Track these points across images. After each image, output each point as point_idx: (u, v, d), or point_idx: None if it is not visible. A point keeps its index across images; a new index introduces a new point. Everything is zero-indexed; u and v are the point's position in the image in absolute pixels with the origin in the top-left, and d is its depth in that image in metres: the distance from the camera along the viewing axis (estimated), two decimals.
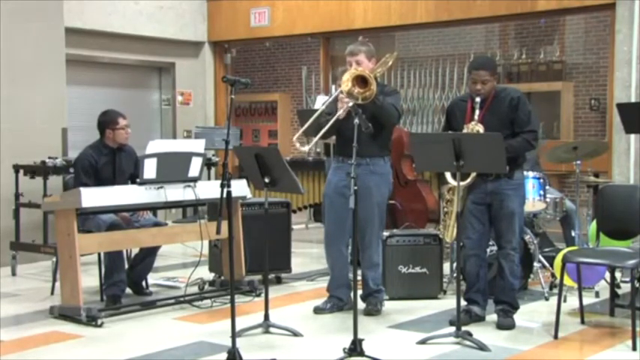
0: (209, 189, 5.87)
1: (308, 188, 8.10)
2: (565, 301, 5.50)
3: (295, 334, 5.05)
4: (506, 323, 5.21)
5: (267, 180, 5.06)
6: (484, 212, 5.25)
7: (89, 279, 6.51)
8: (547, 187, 6.30)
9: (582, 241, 6.40)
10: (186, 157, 5.79)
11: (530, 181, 6.07)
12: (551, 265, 6.17)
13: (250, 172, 5.22)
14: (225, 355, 4.37)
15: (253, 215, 6.47)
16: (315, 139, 5.44)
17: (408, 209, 7.50)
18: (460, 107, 5.33)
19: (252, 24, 10.44)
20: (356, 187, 4.48)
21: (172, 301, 5.94)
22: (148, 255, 6.17)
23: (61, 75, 8.34)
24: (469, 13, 8.79)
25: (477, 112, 5.14)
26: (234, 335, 4.36)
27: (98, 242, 5.65)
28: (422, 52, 11.45)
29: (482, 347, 4.71)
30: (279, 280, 6.77)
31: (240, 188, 6.05)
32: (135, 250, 6.28)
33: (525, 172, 5.56)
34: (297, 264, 7.07)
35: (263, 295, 5.25)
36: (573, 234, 6.51)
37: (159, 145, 5.69)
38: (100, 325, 5.30)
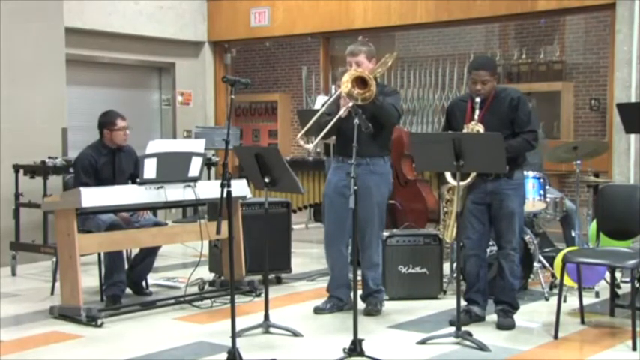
0: (209, 189, 5.87)
1: (308, 188, 8.10)
2: (565, 301, 5.50)
3: (295, 334, 5.05)
4: (506, 323, 5.21)
5: (267, 180, 5.06)
6: (484, 212, 5.25)
7: (89, 279, 6.51)
8: (547, 187, 6.30)
9: (582, 241, 6.40)
10: (186, 157, 5.79)
11: (530, 181, 6.07)
12: (551, 265, 6.17)
13: (250, 172, 5.22)
14: (225, 355, 4.37)
15: (253, 215, 6.47)
16: (319, 138, 5.43)
17: (408, 209, 7.50)
18: (460, 107, 5.34)
19: (252, 24, 10.44)
20: (356, 187, 4.48)
21: (172, 301, 5.94)
22: (147, 255, 6.17)
23: (61, 75, 8.34)
24: (469, 13, 8.79)
25: (477, 112, 5.14)
26: (234, 335, 4.36)
27: (98, 242, 5.65)
28: (422, 52, 11.45)
29: (482, 347, 4.71)
30: (279, 280, 6.77)
31: (240, 188, 6.05)
32: (135, 250, 6.28)
33: (525, 172, 5.56)
34: (297, 264, 7.07)
35: (263, 295, 5.25)
36: (573, 234, 6.51)
37: (159, 145, 5.69)
38: (100, 325, 5.30)
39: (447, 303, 5.75)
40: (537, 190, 6.16)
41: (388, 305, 5.78)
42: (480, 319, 5.33)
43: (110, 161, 6.06)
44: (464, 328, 4.89)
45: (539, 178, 6.18)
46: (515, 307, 5.32)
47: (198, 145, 5.95)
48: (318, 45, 10.60)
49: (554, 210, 6.44)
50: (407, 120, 10.42)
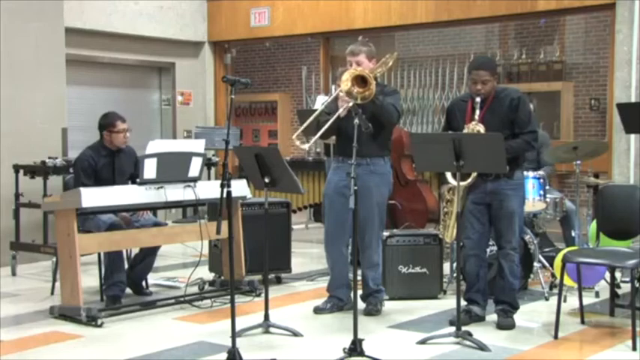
0: (209, 189, 5.87)
1: (308, 188, 8.10)
2: (565, 301, 5.50)
3: (295, 334, 5.05)
4: (506, 323, 5.21)
5: (267, 180, 5.05)
6: (484, 212, 5.25)
7: (89, 279, 6.52)
8: (547, 187, 6.30)
9: (582, 241, 6.40)
10: (186, 157, 5.79)
11: (530, 181, 6.08)
12: (551, 265, 6.17)
13: (250, 172, 5.22)
14: (225, 355, 4.37)
15: (253, 215, 6.47)
16: (315, 137, 5.43)
17: (408, 209, 7.50)
18: (460, 107, 5.33)
19: (252, 24, 10.44)
20: (356, 187, 4.48)
21: (172, 301, 5.94)
22: (147, 255, 6.17)
23: (61, 75, 8.34)
24: (469, 13, 8.79)
25: (477, 112, 5.14)
26: (234, 335, 4.36)
27: (98, 242, 5.65)
28: (422, 52, 11.45)
29: (482, 347, 4.71)
30: (279, 280, 6.77)
31: (240, 188, 6.05)
32: (135, 250, 6.29)
33: (525, 172, 5.56)
34: (297, 264, 7.07)
35: (263, 295, 5.25)
36: (573, 234, 6.51)
37: (159, 145, 5.69)
38: (100, 325, 5.30)
39: (447, 303, 5.75)
40: (537, 190, 6.16)
41: (388, 305, 5.78)
42: (479, 319, 5.33)
43: (110, 162, 6.06)
44: (464, 328, 4.89)
45: (539, 178, 6.18)
46: (515, 307, 5.32)
47: (198, 145, 5.95)
48: (318, 45, 10.60)
49: (554, 210, 6.44)
50: (407, 120, 10.42)
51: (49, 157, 7.22)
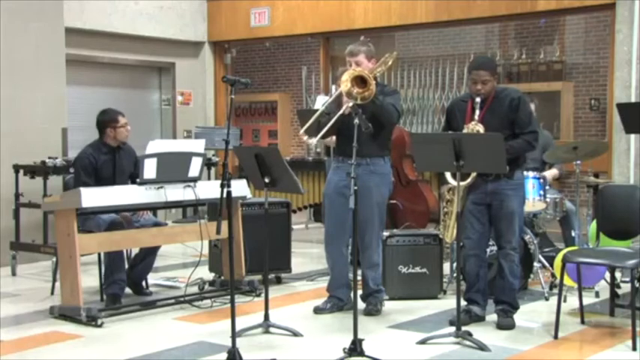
0: (209, 189, 5.88)
1: (308, 188, 8.10)
2: (565, 301, 5.50)
3: (295, 334, 5.05)
4: (506, 323, 5.21)
5: (267, 180, 5.06)
6: (484, 212, 5.25)
7: (89, 279, 6.52)
8: (547, 187, 6.30)
9: (582, 241, 6.40)
10: (186, 157, 5.79)
11: (530, 181, 6.08)
12: (551, 265, 6.18)
13: (250, 172, 5.22)
14: (225, 355, 4.37)
15: (253, 215, 6.47)
16: (322, 133, 5.38)
17: (409, 209, 7.49)
18: (460, 107, 5.33)
19: (252, 24, 10.44)
20: (356, 187, 4.48)
21: (172, 301, 5.94)
22: (147, 255, 6.17)
23: (61, 75, 8.34)
24: (469, 13, 8.79)
25: (477, 112, 5.14)
26: (234, 335, 4.36)
27: (98, 242, 5.65)
28: (422, 52, 11.45)
29: (482, 347, 4.71)
30: (279, 280, 6.77)
31: (240, 188, 6.05)
32: (135, 250, 6.28)
33: (525, 172, 5.56)
34: (297, 264, 7.07)
35: (263, 295, 5.25)
36: (573, 234, 6.51)
37: (159, 145, 5.69)
38: (100, 325, 5.30)
39: (447, 303, 5.75)
40: (537, 190, 6.16)
41: (388, 305, 5.78)
42: (480, 319, 5.33)
43: (110, 160, 6.06)
44: (464, 328, 4.89)
45: (539, 178, 6.18)
46: (515, 307, 5.32)
47: (198, 145, 5.95)
48: (318, 45, 10.60)
49: (554, 210, 6.44)
50: (407, 120, 10.41)
51: (49, 157, 7.22)
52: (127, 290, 6.07)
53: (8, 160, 7.50)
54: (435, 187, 7.79)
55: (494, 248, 5.57)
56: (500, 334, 5.10)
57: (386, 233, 6.00)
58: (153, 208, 6.25)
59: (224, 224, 4.58)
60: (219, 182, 4.46)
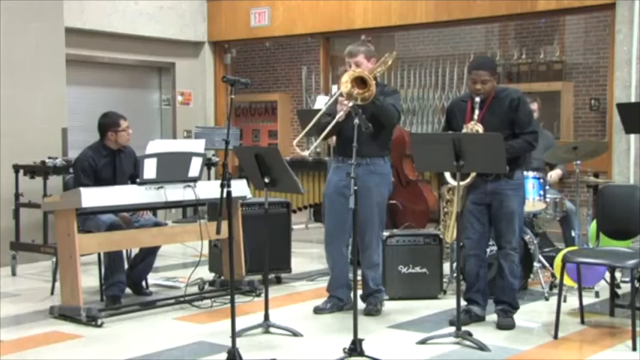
0: (209, 189, 5.87)
1: (308, 188, 8.09)
2: (565, 301, 5.50)
3: (295, 334, 5.05)
4: (506, 323, 5.21)
5: (267, 180, 5.06)
6: (484, 212, 5.25)
7: (89, 279, 6.52)
8: (547, 187, 6.30)
9: (582, 241, 6.40)
10: (186, 157, 5.79)
11: (530, 181, 6.08)
12: (551, 265, 6.17)
13: (250, 172, 5.22)
14: (225, 355, 4.37)
15: (253, 215, 6.47)
16: (315, 144, 5.45)
17: (409, 209, 7.49)
18: (460, 107, 5.33)
19: (252, 24, 10.44)
20: (356, 187, 4.48)
21: (172, 301, 5.94)
22: (147, 255, 6.17)
23: (61, 75, 8.34)
24: (469, 13, 8.79)
25: (477, 111, 5.14)
26: (234, 335, 4.36)
27: (98, 242, 5.65)
28: (422, 52, 11.45)
29: (482, 347, 4.71)
30: (279, 280, 6.77)
31: (240, 188, 6.05)
32: (135, 250, 6.28)
33: (525, 172, 5.56)
34: (297, 264, 7.06)
35: (263, 295, 5.25)
36: (573, 234, 6.51)
37: (159, 145, 5.69)
38: (100, 325, 5.30)
39: (447, 303, 5.75)
40: (537, 190, 6.16)
41: (388, 305, 5.78)
42: (479, 319, 5.33)
43: (110, 162, 6.06)
44: (464, 328, 4.89)
45: (539, 178, 6.18)
46: (515, 307, 5.32)
47: (198, 145, 5.95)
48: (318, 45, 10.60)
49: (554, 210, 6.44)
50: (407, 120, 10.41)
51: (49, 157, 7.22)
52: (127, 290, 6.07)
53: (8, 160, 7.49)
54: (435, 187, 7.79)
55: (494, 248, 5.57)
56: (500, 334, 5.10)
57: (386, 233, 6.00)
58: (153, 208, 6.25)
59: (224, 224, 4.58)
60: (219, 182, 4.46)
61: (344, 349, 4.48)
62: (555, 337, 4.98)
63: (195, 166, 5.82)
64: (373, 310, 5.58)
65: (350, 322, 4.57)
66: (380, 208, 5.56)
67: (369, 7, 9.43)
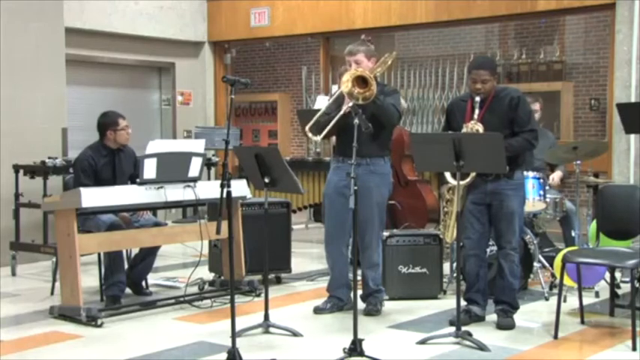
0: (209, 189, 5.87)
1: (308, 188, 8.09)
2: (565, 301, 5.50)
3: (295, 334, 5.05)
4: (506, 323, 5.21)
5: (267, 180, 5.06)
6: (484, 212, 5.25)
7: (89, 279, 6.52)
8: (547, 187, 6.30)
9: (582, 241, 6.40)
10: (186, 157, 5.79)
11: (530, 181, 6.07)
12: (551, 265, 6.17)
13: (250, 172, 5.22)
14: (225, 355, 4.37)
15: (253, 215, 6.47)
16: (323, 134, 5.38)
17: (408, 210, 7.49)
18: (460, 107, 5.34)
19: (252, 24, 10.44)
20: (356, 187, 4.48)
21: (172, 301, 5.94)
22: (147, 255, 6.17)
23: (61, 75, 8.34)
24: (469, 13, 8.79)
25: (477, 111, 5.14)
26: (234, 335, 4.36)
27: (98, 242, 5.65)
28: (422, 52, 11.45)
29: (482, 347, 4.71)
30: (279, 280, 6.77)
31: (240, 188, 6.05)
32: (135, 250, 6.28)
33: (525, 172, 5.56)
34: (297, 264, 7.06)
35: (263, 295, 5.25)
36: (573, 234, 6.51)
37: (159, 145, 5.69)
38: (100, 325, 5.30)
39: (447, 303, 5.75)
40: (537, 190, 6.16)
41: (388, 305, 5.78)
42: (479, 319, 5.33)
43: (110, 162, 6.06)
44: (464, 328, 4.89)
45: (539, 178, 6.18)
46: (515, 307, 5.32)
47: (198, 145, 5.95)
48: (318, 45, 10.60)
49: (554, 210, 6.44)
50: (407, 120, 10.41)
51: (49, 157, 7.22)
52: (127, 290, 6.07)
53: (8, 160, 7.49)
54: (435, 187, 7.79)
55: (494, 248, 5.57)
56: (500, 334, 5.09)
57: (386, 233, 6.00)
58: (153, 208, 6.25)
59: (224, 224, 4.58)
60: (219, 182, 4.46)
61: (344, 349, 4.48)
62: (555, 337, 4.98)
63: (195, 166, 5.82)
64: (373, 310, 5.58)
65: (350, 322, 4.57)
66: (380, 208, 5.56)
67: (369, 7, 9.43)
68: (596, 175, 7.09)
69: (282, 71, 12.96)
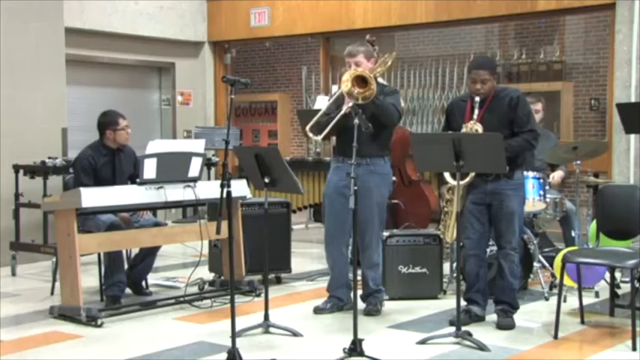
0: (209, 189, 5.87)
1: (308, 188, 8.10)
2: (565, 301, 5.50)
3: (295, 334, 5.05)
4: (506, 323, 5.21)
5: (267, 180, 5.06)
6: (484, 212, 5.25)
7: (89, 279, 6.52)
8: (547, 187, 6.30)
9: (582, 241, 6.40)
10: (186, 157, 5.79)
11: (530, 181, 6.07)
12: (551, 265, 6.17)
13: (250, 172, 5.22)
14: (225, 355, 4.37)
15: (253, 215, 6.47)
16: (323, 134, 5.39)
17: (411, 209, 7.49)
18: (460, 107, 5.34)
19: (252, 24, 10.44)
20: (356, 187, 4.48)
21: (172, 301, 5.94)
22: (147, 255, 6.17)
23: (61, 75, 8.34)
24: (469, 13, 8.79)
25: (476, 111, 5.14)
26: (234, 335, 4.37)
27: (98, 242, 5.65)
28: (422, 52, 11.45)
29: (482, 347, 4.71)
30: (279, 280, 6.77)
31: (240, 188, 6.05)
32: (135, 250, 6.28)
33: (525, 172, 5.56)
34: (297, 264, 7.06)
35: (263, 295, 5.25)
36: (573, 234, 6.51)
37: (159, 145, 5.69)
38: (100, 325, 5.30)
39: (447, 303, 5.75)
40: (537, 190, 6.15)
41: (388, 305, 5.78)
42: (479, 319, 5.33)
43: (110, 161, 6.06)
44: (464, 328, 4.89)
45: (539, 178, 6.18)
46: (515, 307, 5.32)
47: (198, 145, 5.95)
48: (318, 45, 10.60)
49: (554, 210, 6.44)
50: (407, 120, 10.41)
51: (49, 157, 7.22)
52: (127, 290, 6.07)
53: (8, 160, 7.49)
54: (435, 187, 7.79)
55: (494, 248, 5.57)
56: (500, 334, 5.09)
57: (386, 233, 6.00)
58: (153, 208, 6.25)
59: (224, 224, 4.58)
60: (219, 182, 4.46)
61: (344, 349, 4.48)
62: (555, 337, 4.98)
63: (195, 166, 5.82)
64: (373, 310, 5.58)
65: (350, 322, 4.57)
66: (380, 208, 5.56)
67: (369, 7, 9.43)
68: (596, 175, 7.09)
69: (282, 71, 12.96)
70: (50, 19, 8.20)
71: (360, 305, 5.38)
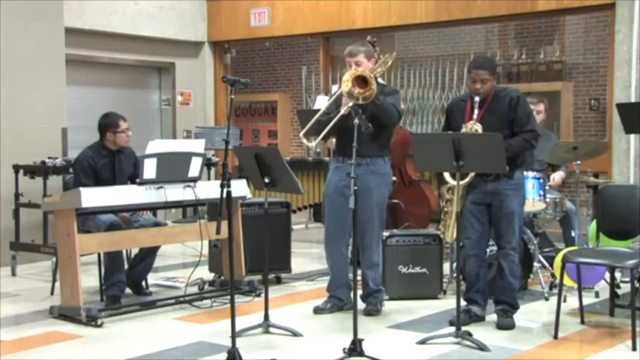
0: (209, 189, 5.87)
1: (308, 188, 8.10)
2: (565, 301, 5.50)
3: (295, 334, 5.05)
4: (506, 323, 5.21)
5: (267, 180, 5.06)
6: (484, 212, 5.25)
7: (89, 279, 6.52)
8: (547, 187, 6.30)
9: (582, 241, 6.40)
10: (186, 157, 5.79)
11: (530, 181, 6.07)
12: (551, 265, 6.17)
13: (250, 172, 5.22)
14: (225, 355, 4.37)
15: (253, 215, 6.47)
16: (322, 136, 5.41)
17: (411, 209, 7.50)
18: (460, 107, 5.34)
19: (252, 24, 10.44)
20: (356, 187, 4.48)
21: (172, 301, 5.94)
22: (147, 255, 6.17)
23: (61, 75, 8.34)
24: (469, 13, 8.79)
25: (476, 111, 5.14)
26: (234, 335, 4.37)
27: (98, 242, 5.65)
28: (422, 52, 11.45)
29: (482, 347, 4.71)
30: (279, 280, 6.77)
31: (240, 188, 6.05)
32: (135, 250, 6.28)
33: (525, 172, 5.56)
34: (297, 264, 7.06)
35: (263, 295, 5.25)
36: (573, 234, 6.51)
37: (159, 145, 5.69)
38: (100, 325, 5.30)
39: (447, 303, 5.75)
40: (537, 190, 6.15)
41: (388, 305, 5.78)
42: (479, 319, 5.33)
43: (110, 162, 6.06)
44: (464, 328, 4.89)
45: (539, 178, 6.18)
46: (515, 307, 5.32)
47: (198, 145, 5.95)
48: (318, 45, 10.60)
49: (554, 210, 6.44)
50: (407, 120, 10.41)
51: (49, 157, 7.22)
52: (127, 290, 6.07)
53: (8, 160, 7.49)
54: (435, 187, 7.79)
55: (494, 248, 5.57)
56: (500, 334, 5.10)
57: (386, 233, 6.00)
58: (153, 208, 6.25)
59: (224, 224, 4.58)
60: (219, 182, 4.46)
61: (344, 349, 4.48)
62: (555, 337, 4.98)
63: (195, 166, 5.82)
64: (373, 310, 5.58)
65: (350, 322, 4.57)
66: (380, 208, 5.56)
67: (369, 7, 9.43)
68: (596, 175, 7.09)
69: (282, 71, 12.96)
70: (50, 19, 8.20)
71: (360, 305, 5.39)
